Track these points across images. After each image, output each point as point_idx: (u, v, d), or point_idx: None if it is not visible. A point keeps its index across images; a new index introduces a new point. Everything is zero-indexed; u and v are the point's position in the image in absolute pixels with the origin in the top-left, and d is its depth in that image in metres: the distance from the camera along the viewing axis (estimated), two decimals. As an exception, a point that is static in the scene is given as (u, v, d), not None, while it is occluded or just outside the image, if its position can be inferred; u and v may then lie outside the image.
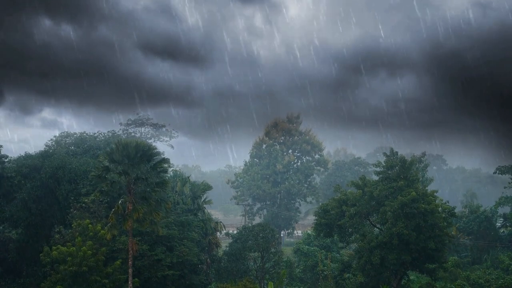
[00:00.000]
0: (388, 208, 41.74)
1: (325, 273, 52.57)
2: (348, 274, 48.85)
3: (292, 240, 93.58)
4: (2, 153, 55.32)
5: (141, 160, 37.74)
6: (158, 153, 40.50)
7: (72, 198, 46.92)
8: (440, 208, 43.00)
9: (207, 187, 58.59)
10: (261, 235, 52.26)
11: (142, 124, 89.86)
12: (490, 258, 62.02)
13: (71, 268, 36.88)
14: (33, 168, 52.36)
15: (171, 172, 57.64)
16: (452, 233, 57.37)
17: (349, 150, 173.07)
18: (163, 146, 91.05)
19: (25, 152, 57.77)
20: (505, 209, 73.79)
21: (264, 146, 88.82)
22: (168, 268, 41.92)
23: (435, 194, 43.18)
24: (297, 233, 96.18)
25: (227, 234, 58.72)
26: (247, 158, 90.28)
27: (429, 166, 77.11)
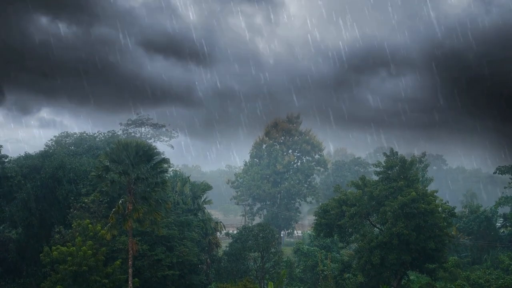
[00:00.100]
0: (388, 208, 41.74)
1: (325, 273, 52.52)
2: (348, 274, 48.85)
3: (292, 240, 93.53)
4: (2, 153, 55.41)
5: (141, 160, 37.78)
6: (158, 153, 40.50)
7: (72, 198, 46.96)
8: (440, 208, 43.03)
9: (207, 187, 58.58)
10: (261, 235, 52.29)
11: (142, 124, 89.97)
12: (490, 258, 61.99)
13: (71, 268, 36.91)
14: (33, 168, 52.40)
15: (171, 172, 57.65)
16: (452, 233, 57.36)
17: (349, 150, 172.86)
18: (163, 146, 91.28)
19: (25, 152, 58.07)
20: (505, 209, 73.72)
21: (264, 146, 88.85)
22: (168, 268, 41.96)
23: (435, 194, 43.21)
24: (297, 233, 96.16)
25: (227, 234, 58.74)
26: (247, 158, 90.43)
27: (429, 166, 77.00)
